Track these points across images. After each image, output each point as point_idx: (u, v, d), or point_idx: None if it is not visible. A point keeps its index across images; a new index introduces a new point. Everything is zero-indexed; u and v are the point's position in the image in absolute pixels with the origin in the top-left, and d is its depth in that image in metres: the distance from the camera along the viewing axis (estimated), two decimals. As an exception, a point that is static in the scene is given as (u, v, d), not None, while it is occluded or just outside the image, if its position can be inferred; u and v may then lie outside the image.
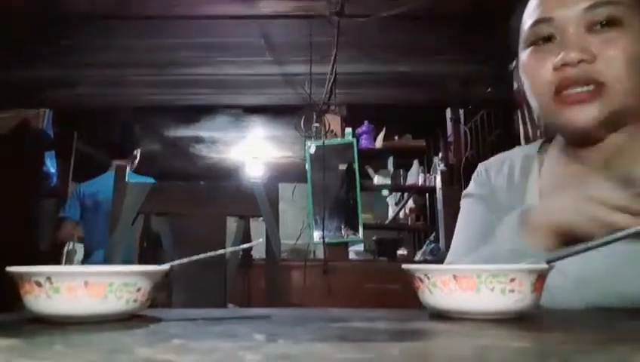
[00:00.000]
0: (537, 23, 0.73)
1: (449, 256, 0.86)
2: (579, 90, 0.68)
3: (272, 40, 3.40)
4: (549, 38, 0.72)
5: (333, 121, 3.36)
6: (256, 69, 3.42)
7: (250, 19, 3.39)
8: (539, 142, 0.89)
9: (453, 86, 3.36)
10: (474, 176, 0.93)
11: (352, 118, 3.43)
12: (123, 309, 0.44)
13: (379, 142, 3.55)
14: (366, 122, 3.54)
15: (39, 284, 0.42)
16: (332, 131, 3.34)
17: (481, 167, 0.92)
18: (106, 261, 1.37)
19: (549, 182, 0.80)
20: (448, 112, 3.54)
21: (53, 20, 3.40)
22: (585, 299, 0.64)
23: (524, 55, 0.77)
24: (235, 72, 3.42)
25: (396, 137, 3.69)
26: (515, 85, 3.08)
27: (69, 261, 3.73)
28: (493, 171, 0.88)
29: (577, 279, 0.64)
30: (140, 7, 3.41)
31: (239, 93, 3.42)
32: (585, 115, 0.69)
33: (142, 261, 1.41)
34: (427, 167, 3.98)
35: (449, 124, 3.54)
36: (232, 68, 3.42)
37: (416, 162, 3.94)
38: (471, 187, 0.91)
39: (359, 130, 3.51)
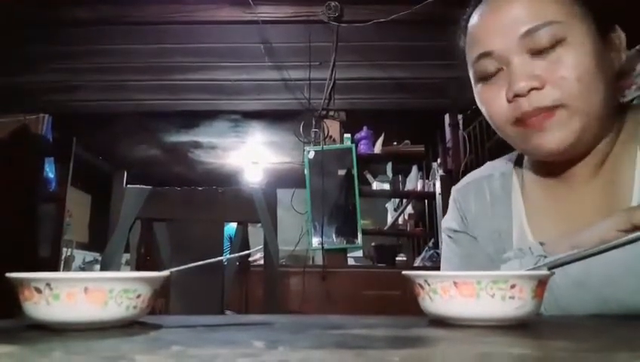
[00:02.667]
0: (479, 58, 0.71)
1: None
2: (538, 116, 0.66)
3: (271, 45, 3.41)
4: (496, 71, 0.70)
5: (332, 127, 3.36)
6: (255, 75, 3.43)
7: (249, 25, 3.41)
8: (513, 154, 0.86)
9: (452, 91, 3.37)
10: (450, 205, 0.89)
11: (351, 123, 3.44)
12: (123, 316, 0.44)
13: (378, 148, 3.56)
14: (365, 128, 3.55)
15: (39, 290, 0.42)
16: (331, 137, 3.35)
17: (455, 194, 0.89)
18: (104, 266, 1.36)
19: (534, 202, 0.78)
20: (447, 118, 3.55)
21: (52, 26, 3.41)
22: (584, 303, 0.64)
23: (476, 89, 0.75)
24: (234, 78, 3.43)
25: (395, 143, 3.70)
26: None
27: (68, 267, 3.73)
28: (471, 196, 0.85)
29: (578, 282, 0.64)
30: (140, 13, 3.42)
31: (238, 99, 3.43)
32: (551, 139, 0.66)
33: (140, 267, 1.41)
34: (426, 172, 3.98)
35: (448, 130, 3.54)
36: (231, 73, 3.43)
37: (415, 168, 3.94)
38: (447, 219, 0.89)
39: (358, 136, 3.52)
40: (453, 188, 0.90)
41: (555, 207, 0.76)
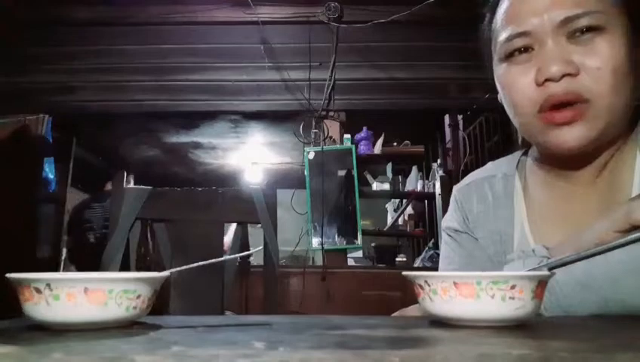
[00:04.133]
0: (513, 37, 0.69)
1: None
2: (565, 110, 0.64)
3: (271, 46, 3.41)
4: (525, 49, 0.68)
5: (332, 127, 3.36)
6: (256, 75, 3.43)
7: (249, 26, 3.41)
8: (515, 156, 0.85)
9: (452, 92, 3.38)
10: (451, 204, 0.89)
11: (351, 124, 3.44)
12: (123, 316, 0.44)
13: (377, 149, 3.56)
14: (365, 128, 3.55)
15: (39, 291, 0.42)
16: (331, 137, 3.35)
17: (457, 194, 0.88)
18: (103, 267, 1.36)
19: (536, 204, 0.78)
20: (447, 118, 3.55)
21: (53, 26, 3.41)
22: (586, 303, 0.64)
23: (500, 69, 0.72)
24: (234, 78, 3.43)
25: (395, 143, 3.70)
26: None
27: (67, 268, 3.72)
28: (473, 196, 0.85)
29: (581, 282, 0.63)
30: (140, 14, 3.42)
31: (238, 99, 3.43)
32: (572, 136, 0.65)
33: (139, 267, 1.41)
34: (426, 173, 3.98)
35: (447, 130, 3.54)
36: (232, 74, 3.43)
37: (414, 168, 3.94)
38: (448, 218, 0.88)
39: (358, 136, 3.52)
40: (455, 188, 0.90)
41: (556, 210, 0.76)
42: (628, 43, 0.65)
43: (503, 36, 0.70)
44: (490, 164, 0.89)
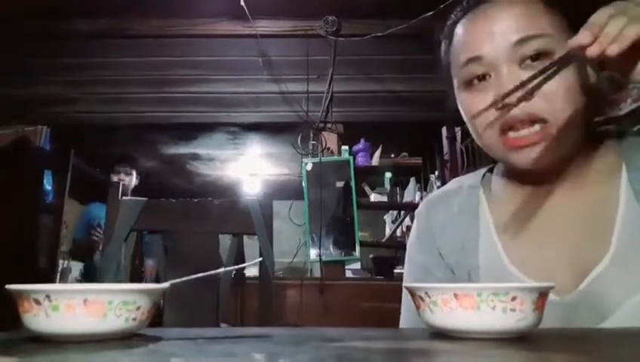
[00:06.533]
0: (468, 62, 0.71)
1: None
2: (525, 133, 0.67)
3: (269, 59, 3.43)
4: (483, 77, 0.71)
5: (330, 139, 3.37)
6: (254, 87, 3.44)
7: (248, 39, 3.43)
8: (480, 171, 0.87)
9: (450, 104, 3.39)
10: (416, 216, 0.90)
11: (349, 135, 3.44)
12: (122, 328, 0.44)
13: (375, 160, 3.56)
14: (362, 140, 3.56)
15: (38, 302, 0.42)
16: (329, 149, 3.35)
17: (422, 206, 0.89)
18: (98, 278, 1.36)
19: (503, 214, 0.78)
20: (444, 131, 3.56)
21: (52, 38, 3.42)
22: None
23: (461, 96, 0.75)
24: (233, 90, 3.44)
25: (393, 155, 3.70)
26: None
27: (64, 279, 3.69)
28: (440, 208, 0.85)
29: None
30: (140, 26, 3.44)
31: (237, 111, 3.44)
32: (533, 157, 0.67)
33: (134, 278, 1.40)
34: (424, 184, 3.98)
35: (445, 143, 3.55)
36: (230, 86, 3.44)
37: (412, 180, 3.94)
38: (413, 230, 0.89)
39: (356, 148, 3.52)
40: (421, 203, 0.90)
41: (527, 220, 0.75)
42: (577, 64, 0.66)
43: (458, 63, 0.73)
44: (455, 179, 0.90)
